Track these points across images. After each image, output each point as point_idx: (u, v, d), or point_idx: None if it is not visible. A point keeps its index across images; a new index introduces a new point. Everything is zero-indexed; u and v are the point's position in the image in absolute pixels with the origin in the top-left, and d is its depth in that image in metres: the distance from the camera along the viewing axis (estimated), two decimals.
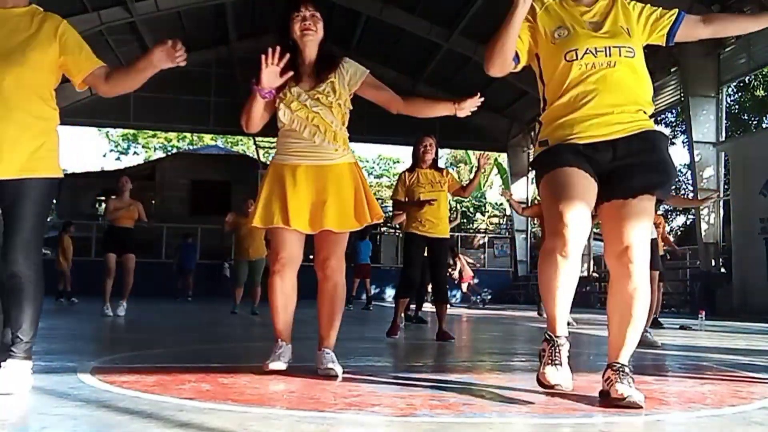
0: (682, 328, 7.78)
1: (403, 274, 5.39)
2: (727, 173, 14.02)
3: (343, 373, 2.87)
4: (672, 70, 14.64)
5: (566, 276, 2.26)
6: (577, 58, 2.37)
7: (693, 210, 16.70)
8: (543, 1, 2.51)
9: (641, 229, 2.31)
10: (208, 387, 2.50)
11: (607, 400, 2.26)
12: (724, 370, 3.57)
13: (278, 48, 2.77)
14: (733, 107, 21.76)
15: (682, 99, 14.16)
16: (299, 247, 2.98)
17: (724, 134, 14.14)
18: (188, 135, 32.43)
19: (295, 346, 3.08)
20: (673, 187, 2.68)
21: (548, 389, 2.28)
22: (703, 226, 13.52)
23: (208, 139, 32.28)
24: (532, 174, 21.92)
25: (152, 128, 27.02)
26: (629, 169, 2.30)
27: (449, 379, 2.94)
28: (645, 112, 2.40)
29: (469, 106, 2.97)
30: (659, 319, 8.32)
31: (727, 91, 16.28)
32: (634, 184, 2.30)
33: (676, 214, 26.04)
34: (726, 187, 14.08)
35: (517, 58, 2.46)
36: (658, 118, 21.68)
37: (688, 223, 23.72)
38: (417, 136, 5.56)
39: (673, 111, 19.74)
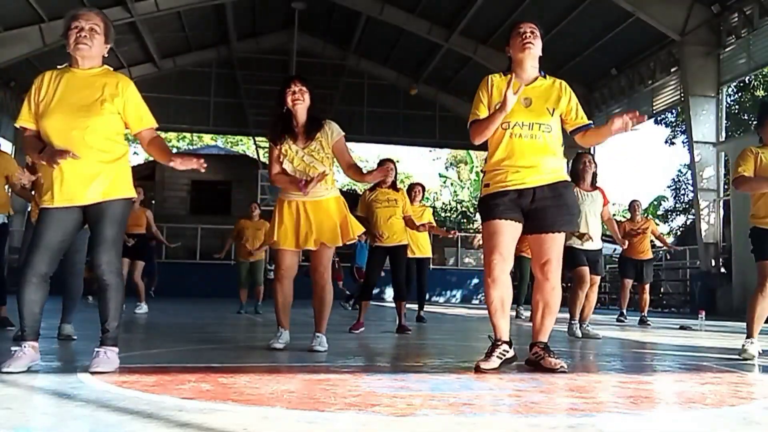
0: (682, 328, 7.78)
1: (365, 281, 6.24)
2: (727, 173, 14.01)
3: (343, 372, 2.88)
4: (672, 70, 14.64)
5: (498, 292, 3.24)
6: (509, 128, 3.25)
7: (693, 210, 16.70)
8: (492, 78, 3.38)
9: (556, 249, 3.30)
10: (208, 387, 2.50)
11: (537, 367, 3.23)
12: (724, 370, 3.57)
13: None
14: (733, 107, 21.75)
15: (682, 99, 14.15)
16: (295, 260, 4.11)
17: (724, 134, 14.13)
18: (188, 135, 32.42)
19: (294, 347, 3.82)
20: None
21: (480, 373, 3.14)
22: (703, 226, 13.51)
23: (208, 139, 32.26)
24: None
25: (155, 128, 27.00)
26: (543, 211, 3.24)
27: (449, 379, 2.95)
28: (557, 168, 3.31)
29: (379, 176, 4.40)
30: (646, 318, 8.51)
31: (727, 91, 16.27)
32: (548, 225, 3.25)
33: (676, 215, 26.05)
34: (726, 187, 14.07)
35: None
36: (658, 119, 21.71)
37: (688, 223, 23.71)
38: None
39: (673, 111, 19.70)
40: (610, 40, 15.21)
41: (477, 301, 20.57)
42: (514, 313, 8.84)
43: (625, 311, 8.89)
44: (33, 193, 4.97)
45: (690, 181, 18.61)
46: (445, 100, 20.46)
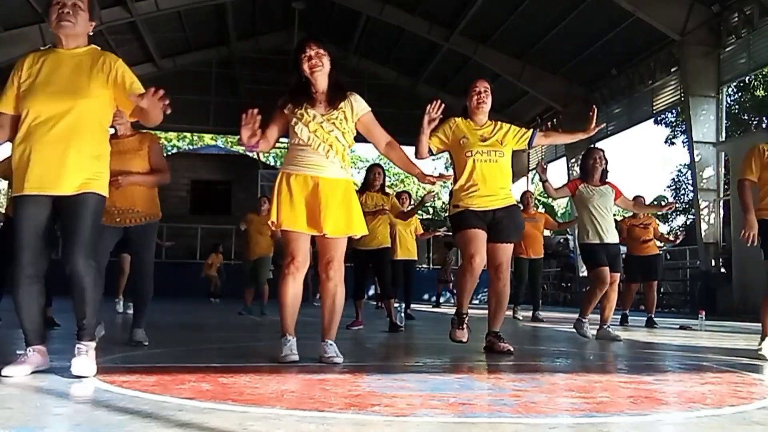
0: (682, 328, 7.77)
1: (356, 283, 6.47)
2: (727, 173, 14.00)
3: (343, 372, 2.90)
4: (672, 70, 14.63)
5: (471, 283, 4.14)
6: (471, 155, 4.16)
7: (693, 210, 16.70)
8: (456, 120, 4.31)
9: (507, 255, 4.25)
10: (208, 387, 2.50)
11: (492, 351, 4.07)
12: (724, 370, 3.57)
13: (253, 111, 3.26)
14: (733, 107, 21.74)
15: (682, 99, 14.13)
16: (308, 251, 3.38)
17: (724, 134, 14.10)
18: (188, 135, 32.42)
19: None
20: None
21: (457, 343, 4.18)
22: (703, 226, 13.50)
23: (208, 139, 32.26)
24: (532, 173, 21.93)
25: (152, 128, 26.98)
26: (499, 226, 4.15)
27: (449, 379, 2.95)
28: (508, 193, 4.25)
29: (433, 180, 3.74)
30: (654, 318, 8.22)
31: (727, 91, 16.25)
32: (502, 238, 4.19)
33: (676, 215, 26.05)
34: (726, 187, 14.06)
35: (431, 151, 4.22)
36: (658, 118, 21.70)
37: (688, 223, 23.72)
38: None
39: (673, 111, 19.68)
40: (610, 40, 15.20)
41: (477, 301, 20.55)
42: (510, 313, 8.82)
43: (627, 312, 8.43)
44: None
45: (690, 181, 18.60)
46: (445, 99, 20.34)
